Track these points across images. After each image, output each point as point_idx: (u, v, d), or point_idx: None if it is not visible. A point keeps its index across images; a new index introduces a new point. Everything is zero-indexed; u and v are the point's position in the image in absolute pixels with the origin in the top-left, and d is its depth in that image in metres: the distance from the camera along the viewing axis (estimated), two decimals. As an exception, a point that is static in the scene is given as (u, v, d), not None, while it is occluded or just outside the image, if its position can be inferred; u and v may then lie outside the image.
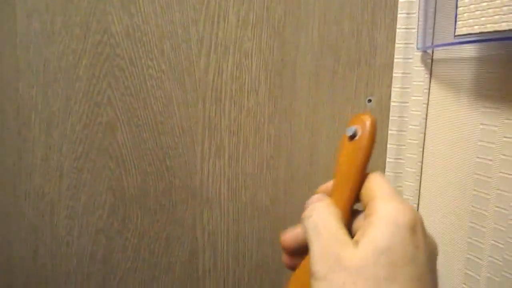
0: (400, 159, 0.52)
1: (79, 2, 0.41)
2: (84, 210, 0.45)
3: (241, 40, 0.46)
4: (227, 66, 0.45)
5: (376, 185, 0.29)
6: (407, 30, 0.50)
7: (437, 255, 0.29)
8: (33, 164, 0.43)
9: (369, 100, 0.50)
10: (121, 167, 0.44)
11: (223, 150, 0.47)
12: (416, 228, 0.27)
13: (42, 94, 0.42)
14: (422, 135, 0.49)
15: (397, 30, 0.50)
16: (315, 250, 0.27)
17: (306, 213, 0.29)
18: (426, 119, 0.49)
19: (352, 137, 0.31)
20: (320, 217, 0.28)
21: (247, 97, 0.47)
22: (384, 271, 0.25)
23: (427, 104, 0.49)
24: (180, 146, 0.46)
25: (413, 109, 0.50)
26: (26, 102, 0.42)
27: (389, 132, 0.51)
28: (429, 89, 0.49)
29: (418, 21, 0.49)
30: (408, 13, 0.49)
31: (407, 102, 0.50)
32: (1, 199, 0.44)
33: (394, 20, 0.50)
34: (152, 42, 0.43)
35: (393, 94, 0.51)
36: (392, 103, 0.51)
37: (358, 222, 0.29)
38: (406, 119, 0.51)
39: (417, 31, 0.49)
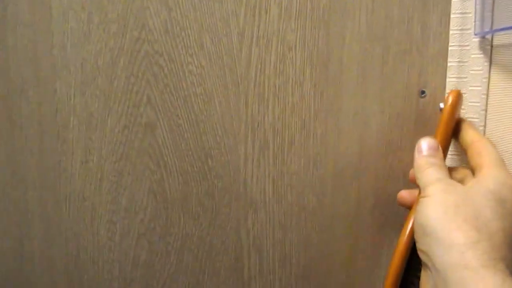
0: (460, 154, 0.48)
1: (116, -3, 0.40)
2: (126, 214, 0.43)
3: (284, 32, 0.43)
4: (270, 60, 0.43)
5: (484, 152, 0.39)
6: (463, 15, 0.46)
7: None
8: (72, 167, 0.42)
9: (423, 92, 0.47)
10: (162, 169, 0.42)
11: (267, 149, 0.44)
12: None
13: (80, 95, 0.41)
14: (482, 128, 0.45)
15: (452, 15, 0.46)
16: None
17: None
18: (486, 111, 0.45)
19: (441, 110, 0.43)
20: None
21: (292, 92, 0.44)
22: (490, 204, 0.33)
23: (487, 95, 0.45)
24: (222, 145, 0.43)
25: (471, 100, 0.46)
26: (64, 103, 0.41)
27: (445, 126, 0.48)
28: (489, 78, 0.45)
29: (476, 3, 0.45)
30: (464, -4, 0.45)
31: (465, 93, 0.46)
32: (42, 203, 0.43)
33: (448, 3, 0.46)
34: (191, 36, 0.41)
35: (448, 85, 0.47)
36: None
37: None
38: (464, 111, 0.47)
39: (475, 15, 0.45)
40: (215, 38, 0.42)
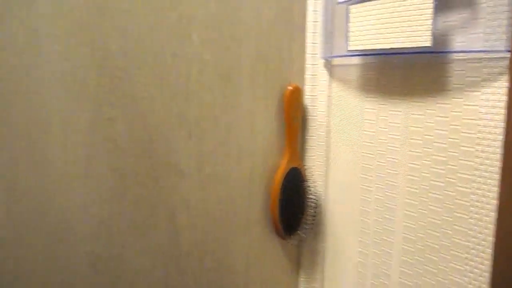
0: (313, 136, 0.73)
1: None
2: None
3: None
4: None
5: None
6: (314, 44, 0.71)
7: None
8: None
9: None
10: None
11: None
12: None
13: None
14: (327, 118, 0.71)
15: (307, 44, 0.71)
16: None
17: None
18: (329, 106, 0.71)
19: None
20: None
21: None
22: None
23: (330, 96, 0.71)
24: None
25: (320, 99, 0.71)
26: None
27: (308, 116, 0.72)
28: (330, 86, 0.70)
29: (321, 37, 0.70)
30: (314, 32, 0.70)
31: (316, 95, 0.71)
32: None
33: (304, 37, 0.70)
34: None
35: (307, 89, 0.71)
36: (306, 96, 0.72)
37: None
38: (316, 106, 0.72)
39: (320, 46, 0.70)
40: None
